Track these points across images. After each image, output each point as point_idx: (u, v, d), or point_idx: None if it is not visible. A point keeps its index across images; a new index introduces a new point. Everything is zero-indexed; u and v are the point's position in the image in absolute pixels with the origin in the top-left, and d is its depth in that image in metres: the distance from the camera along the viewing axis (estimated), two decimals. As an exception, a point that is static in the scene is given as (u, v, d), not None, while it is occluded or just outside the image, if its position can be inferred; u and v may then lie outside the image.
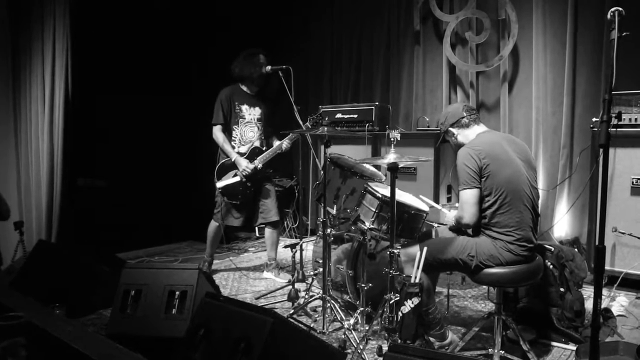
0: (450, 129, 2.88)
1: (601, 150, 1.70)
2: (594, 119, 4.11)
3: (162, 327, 2.75)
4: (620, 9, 1.92)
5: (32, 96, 4.65)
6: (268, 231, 4.44)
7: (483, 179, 2.61)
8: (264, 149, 4.32)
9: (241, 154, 4.22)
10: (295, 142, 4.30)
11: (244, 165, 4.16)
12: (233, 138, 4.27)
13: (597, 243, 1.72)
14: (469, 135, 2.84)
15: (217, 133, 4.23)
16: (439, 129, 3.01)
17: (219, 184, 4.22)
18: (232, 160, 4.18)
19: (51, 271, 3.49)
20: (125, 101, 5.35)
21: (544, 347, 3.00)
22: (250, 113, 4.30)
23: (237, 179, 4.19)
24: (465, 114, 2.85)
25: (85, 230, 4.87)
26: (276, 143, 4.35)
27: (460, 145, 2.83)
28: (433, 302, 2.83)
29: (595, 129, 4.10)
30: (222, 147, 4.22)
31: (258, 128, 4.34)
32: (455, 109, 2.91)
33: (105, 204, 5.19)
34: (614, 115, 3.88)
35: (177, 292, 2.83)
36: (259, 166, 4.21)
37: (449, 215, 2.91)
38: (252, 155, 4.25)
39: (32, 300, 2.74)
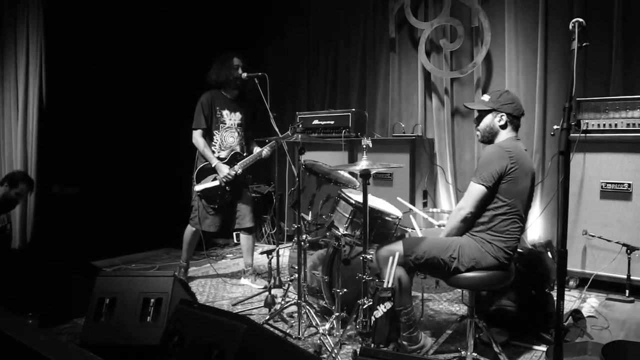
0: (506, 114, 2.74)
1: (561, 157, 1.76)
2: (555, 127, 4.15)
3: (137, 335, 2.73)
4: (582, 20, 1.97)
5: (4, 102, 4.61)
6: (243, 237, 4.45)
7: (503, 182, 2.60)
8: (244, 154, 4.33)
9: (221, 159, 4.22)
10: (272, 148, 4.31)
11: (226, 171, 4.16)
12: (213, 143, 4.27)
13: (560, 247, 1.77)
14: (506, 134, 2.77)
15: (198, 138, 4.22)
16: (487, 102, 2.78)
17: (198, 187, 4.21)
18: (213, 165, 4.18)
19: (24, 280, 3.45)
20: (101, 107, 5.32)
21: (515, 348, 3.05)
22: (231, 118, 4.31)
23: (217, 182, 4.19)
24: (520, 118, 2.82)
25: (60, 238, 4.82)
26: (256, 149, 4.37)
27: (490, 133, 2.78)
28: (410, 302, 2.83)
29: (555, 136, 4.18)
30: (203, 152, 4.21)
31: (238, 133, 4.35)
32: (521, 105, 2.81)
33: (81, 212, 5.14)
34: (573, 123, 3.97)
35: (152, 300, 2.82)
36: (238, 172, 4.21)
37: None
38: (232, 160, 4.25)
39: (2, 310, 2.71)
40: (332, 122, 5.34)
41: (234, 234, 5.74)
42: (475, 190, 2.63)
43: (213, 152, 4.24)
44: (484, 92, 5.16)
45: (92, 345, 2.63)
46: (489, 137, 2.80)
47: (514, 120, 2.77)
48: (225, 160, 4.24)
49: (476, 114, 2.86)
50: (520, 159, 2.63)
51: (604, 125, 4.07)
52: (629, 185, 3.95)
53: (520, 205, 2.65)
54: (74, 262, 3.82)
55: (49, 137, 4.81)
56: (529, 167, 2.71)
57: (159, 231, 5.55)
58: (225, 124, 4.29)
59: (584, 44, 1.94)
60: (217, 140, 4.28)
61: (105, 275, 3.04)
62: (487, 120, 2.79)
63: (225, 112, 4.29)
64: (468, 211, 2.66)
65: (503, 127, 2.76)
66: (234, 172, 4.18)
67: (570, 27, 2.00)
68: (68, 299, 3.44)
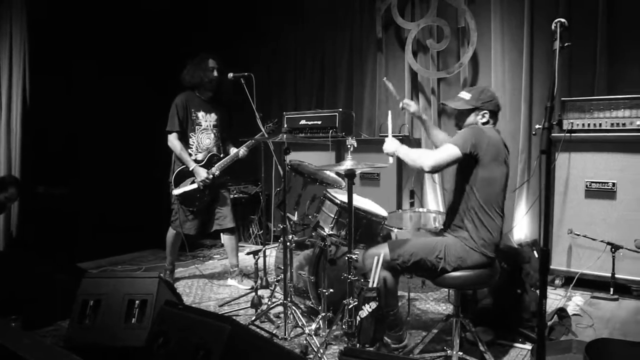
0: (489, 111, 2.77)
1: (543, 156, 1.77)
2: (537, 126, 4.21)
3: (122, 337, 2.72)
4: (564, 20, 1.98)
5: (-13, 103, 4.56)
6: (226, 238, 4.44)
7: (477, 166, 2.62)
8: (221, 155, 4.31)
9: (198, 162, 4.19)
10: (259, 148, 4.29)
11: (204, 175, 4.13)
12: (190, 145, 4.23)
13: (541, 245, 1.78)
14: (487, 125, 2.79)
15: (174, 141, 4.18)
16: (469, 100, 2.79)
17: (176, 192, 4.18)
18: (191, 169, 4.14)
19: (7, 282, 3.41)
20: (86, 107, 5.29)
21: (501, 347, 3.06)
22: (207, 120, 4.28)
23: (195, 186, 4.16)
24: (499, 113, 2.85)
25: (45, 239, 4.77)
26: (233, 150, 4.34)
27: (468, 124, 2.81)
28: (396, 304, 2.84)
29: (537, 135, 4.22)
30: (180, 156, 4.16)
31: (214, 135, 4.32)
32: (498, 101, 2.83)
33: (66, 213, 5.10)
34: (555, 123, 4.01)
35: (137, 301, 2.81)
36: (216, 174, 4.19)
37: (391, 145, 2.89)
38: (209, 162, 4.23)
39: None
40: (319, 122, 5.34)
41: (222, 234, 5.72)
42: (450, 149, 2.59)
43: (190, 154, 4.21)
44: (470, 92, 5.17)
45: (76, 348, 2.61)
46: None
47: (495, 116, 2.82)
48: (203, 162, 4.21)
49: (455, 112, 2.88)
50: (492, 144, 2.63)
51: (589, 125, 4.10)
52: (614, 184, 3.99)
53: (496, 195, 2.65)
54: (59, 264, 3.79)
55: (33, 138, 4.76)
56: (503, 155, 2.71)
57: (145, 232, 5.51)
58: (201, 125, 4.25)
59: (566, 44, 1.95)
60: (193, 142, 4.24)
61: (90, 277, 3.02)
62: (470, 119, 2.81)
63: (201, 114, 4.26)
64: (432, 164, 2.59)
65: (485, 123, 2.78)
66: (212, 175, 4.16)
67: (553, 27, 2.01)
68: (52, 301, 3.41)
